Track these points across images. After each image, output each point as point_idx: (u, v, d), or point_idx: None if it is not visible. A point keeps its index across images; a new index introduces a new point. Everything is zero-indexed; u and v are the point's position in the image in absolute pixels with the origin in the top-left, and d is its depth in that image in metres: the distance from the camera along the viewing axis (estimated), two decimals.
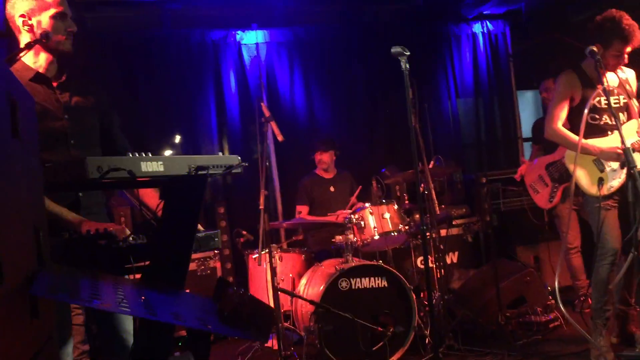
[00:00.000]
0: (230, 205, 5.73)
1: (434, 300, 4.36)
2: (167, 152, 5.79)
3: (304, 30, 6.32)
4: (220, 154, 2.26)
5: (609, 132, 3.59)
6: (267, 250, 4.17)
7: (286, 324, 4.34)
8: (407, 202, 5.18)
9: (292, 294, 4.24)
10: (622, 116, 3.61)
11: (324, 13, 6.36)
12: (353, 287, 4.05)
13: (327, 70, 6.38)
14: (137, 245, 1.92)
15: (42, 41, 2.37)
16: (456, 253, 5.77)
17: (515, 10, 6.83)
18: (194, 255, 5.06)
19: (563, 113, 3.65)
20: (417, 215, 5.20)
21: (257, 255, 4.62)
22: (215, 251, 5.20)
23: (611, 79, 3.54)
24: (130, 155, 1.80)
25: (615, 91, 3.58)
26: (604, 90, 3.21)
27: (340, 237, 4.36)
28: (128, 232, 2.06)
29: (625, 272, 3.43)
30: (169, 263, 1.91)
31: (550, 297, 4.63)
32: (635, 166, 2.84)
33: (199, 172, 1.92)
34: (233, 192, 5.98)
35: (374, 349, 3.95)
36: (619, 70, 3.62)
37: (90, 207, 2.54)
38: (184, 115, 5.95)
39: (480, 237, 5.82)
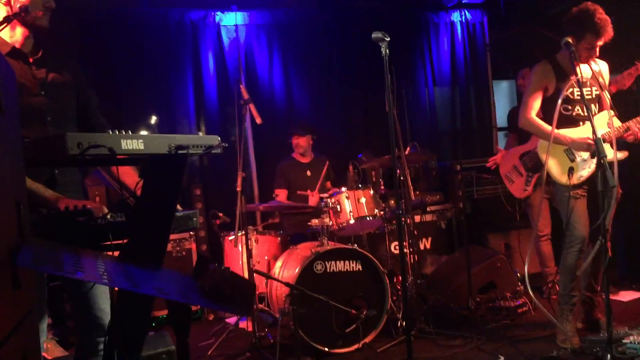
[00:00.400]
0: (206, 187, 5.73)
1: (407, 285, 4.43)
2: (143, 133, 5.73)
3: (284, 13, 6.30)
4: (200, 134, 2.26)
5: (581, 123, 3.68)
6: (243, 232, 4.19)
7: (261, 306, 4.37)
8: (382, 187, 5.24)
9: (268, 276, 4.27)
10: (594, 107, 3.70)
11: None
12: (328, 270, 4.10)
13: (306, 54, 6.37)
14: (116, 223, 1.93)
15: (21, 15, 2.34)
16: (429, 239, 5.86)
17: (493, 0, 6.88)
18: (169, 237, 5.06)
19: (537, 103, 3.73)
20: (392, 201, 5.27)
21: (233, 237, 4.63)
22: (191, 232, 5.20)
23: (584, 70, 3.61)
24: (110, 132, 1.80)
25: (588, 83, 3.67)
26: (578, 81, 3.28)
27: (316, 221, 4.40)
28: (106, 210, 2.06)
29: (592, 260, 3.53)
30: (147, 241, 1.92)
31: (520, 283, 4.74)
32: (605, 156, 2.92)
33: (179, 152, 1.93)
34: (209, 174, 5.96)
35: (347, 331, 4.01)
36: (592, 63, 3.70)
37: (66, 184, 2.52)
38: (161, 95, 5.89)
39: (453, 224, 5.92)
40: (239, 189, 4.12)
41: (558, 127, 3.49)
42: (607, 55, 3.79)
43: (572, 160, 3.66)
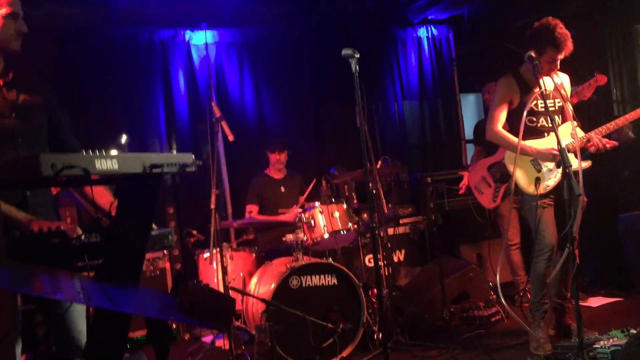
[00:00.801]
0: (180, 206, 5.70)
1: (382, 297, 4.47)
2: (114, 152, 5.67)
3: (254, 31, 6.35)
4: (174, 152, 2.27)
5: (545, 134, 3.79)
6: (218, 250, 4.18)
7: (237, 323, 4.36)
8: (355, 201, 5.28)
9: (244, 292, 4.26)
10: (558, 119, 3.81)
11: (273, 14, 6.38)
12: (304, 285, 4.11)
13: (277, 71, 6.42)
14: (91, 243, 1.93)
15: None
16: (403, 251, 5.91)
17: (458, 16, 7.03)
18: None
19: (503, 115, 3.82)
20: (366, 215, 5.32)
21: (208, 254, 4.62)
22: (165, 251, 5.17)
23: (547, 83, 3.72)
24: (84, 152, 1.80)
25: (551, 95, 3.78)
26: (541, 94, 3.38)
27: (291, 236, 4.42)
28: (80, 231, 2.06)
29: (561, 267, 3.61)
30: (124, 260, 1.92)
31: (492, 293, 4.81)
32: (570, 165, 3.00)
33: (154, 170, 1.94)
34: (182, 193, 5.93)
35: (324, 345, 4.02)
36: (554, 75, 3.82)
37: (38, 206, 2.50)
38: (132, 115, 5.86)
39: (425, 236, 5.99)
40: (212, 206, 4.12)
41: (524, 138, 3.57)
42: (567, 68, 3.92)
43: (539, 171, 3.75)
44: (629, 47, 5.72)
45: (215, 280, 4.57)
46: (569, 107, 3.78)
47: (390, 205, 5.54)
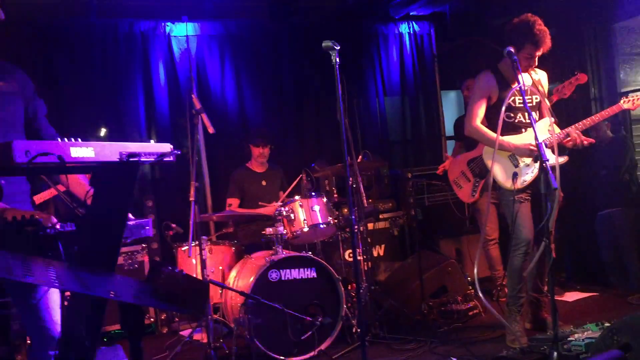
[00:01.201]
0: (159, 199, 5.65)
1: (361, 292, 4.49)
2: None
3: (235, 24, 6.31)
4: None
5: (523, 130, 3.83)
6: (197, 243, 4.16)
7: (215, 316, 4.34)
8: (335, 195, 5.29)
9: (222, 286, 4.25)
10: (535, 115, 3.85)
11: (254, 8, 6.35)
12: (283, 278, 4.11)
13: (258, 64, 6.39)
14: (66, 232, 1.91)
15: None
16: (383, 246, 5.94)
17: (440, 13, 7.06)
18: (121, 249, 4.98)
19: (481, 111, 3.86)
20: (346, 209, 5.33)
21: (186, 247, 4.59)
22: (143, 245, 5.14)
23: (525, 79, 3.76)
24: (60, 140, 1.78)
25: (529, 91, 3.82)
26: (520, 89, 3.41)
27: (270, 230, 4.41)
28: (55, 219, 2.04)
29: (537, 261, 3.66)
30: (99, 250, 1.90)
31: (470, 287, 4.86)
32: (547, 160, 3.04)
33: (131, 159, 1.92)
34: (161, 186, 5.89)
35: (302, 338, 4.03)
36: (532, 72, 3.86)
37: (13, 195, 2.47)
38: (111, 107, 5.79)
39: (405, 231, 6.03)
40: (192, 198, 4.09)
41: (502, 134, 3.61)
42: (546, 65, 3.96)
43: (516, 166, 3.80)
44: (607, 45, 5.80)
45: (195, 273, 4.54)
46: (547, 104, 3.83)
47: (370, 200, 5.56)
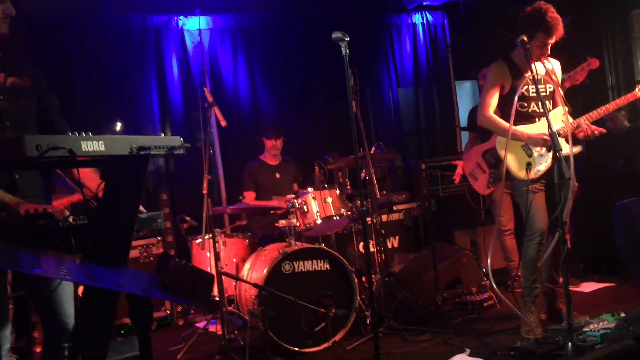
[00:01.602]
0: (173, 192, 5.69)
1: (375, 283, 4.49)
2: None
3: (247, 17, 6.32)
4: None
5: (536, 119, 3.79)
6: (210, 235, 4.19)
7: (230, 308, 4.37)
8: (349, 187, 5.28)
9: (236, 278, 4.27)
10: (548, 104, 3.81)
11: (266, 0, 6.36)
12: (296, 270, 4.12)
13: (270, 56, 6.40)
14: (78, 226, 1.93)
15: None
16: (397, 238, 5.93)
17: (453, 2, 7.00)
18: (136, 242, 5.04)
19: (494, 101, 3.82)
20: (359, 201, 5.32)
21: (200, 240, 4.62)
22: (158, 238, 5.18)
23: (538, 68, 3.72)
24: (70, 134, 1.80)
25: (542, 80, 3.77)
26: (533, 78, 3.38)
27: (284, 222, 4.42)
28: (67, 213, 2.06)
29: (552, 252, 3.63)
30: (110, 243, 1.92)
31: (485, 278, 4.83)
32: (561, 149, 3.01)
33: (141, 152, 1.93)
34: (176, 179, 5.94)
35: (316, 330, 4.04)
36: (545, 61, 3.81)
37: (26, 189, 2.50)
38: (125, 102, 5.85)
39: (419, 222, 6.00)
40: (204, 191, 4.12)
41: (515, 123, 3.58)
42: (562, 53, 3.91)
43: (530, 156, 3.76)
44: (624, 33, 5.72)
45: (209, 266, 4.58)
46: (560, 93, 3.78)
47: (384, 192, 5.55)
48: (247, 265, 4.44)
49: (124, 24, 5.82)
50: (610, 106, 3.78)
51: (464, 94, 7.85)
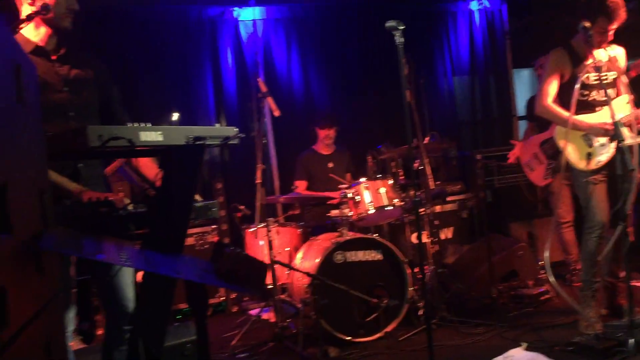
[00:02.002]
0: (228, 182, 5.78)
1: (428, 274, 4.45)
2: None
3: (301, 7, 6.33)
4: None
5: (598, 108, 3.65)
6: (264, 225, 4.24)
7: (283, 297, 4.42)
8: (402, 177, 5.24)
9: (289, 266, 4.32)
10: (611, 92, 3.66)
11: None
12: (348, 259, 4.13)
13: (323, 46, 6.40)
14: (137, 214, 1.99)
15: (42, 13, 2.40)
16: (451, 229, 5.85)
17: None
18: (192, 230, 5.15)
19: (553, 89, 3.70)
20: (413, 191, 5.27)
21: (254, 229, 4.69)
22: (214, 226, 5.29)
23: (600, 55, 3.58)
24: (130, 125, 1.85)
25: (604, 67, 3.63)
26: (595, 66, 3.26)
27: (336, 212, 4.43)
28: (127, 201, 2.12)
29: (613, 245, 3.51)
30: (167, 230, 1.97)
31: (542, 271, 4.72)
32: (624, 139, 2.90)
33: (197, 142, 1.97)
34: (231, 169, 6.03)
35: (368, 320, 4.05)
36: (608, 47, 3.67)
37: (89, 178, 2.59)
38: (181, 92, 5.96)
39: (474, 213, 5.91)
40: (258, 181, 4.17)
41: (575, 112, 3.46)
42: (625, 41, 3.75)
43: (590, 146, 3.63)
44: None
45: (262, 255, 4.64)
46: (624, 80, 3.63)
47: (438, 182, 5.48)
48: (299, 255, 4.48)
49: (181, 16, 5.93)
50: None
51: (522, 82, 7.64)
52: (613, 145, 3.46)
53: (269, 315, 4.64)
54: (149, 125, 1.89)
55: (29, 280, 1.19)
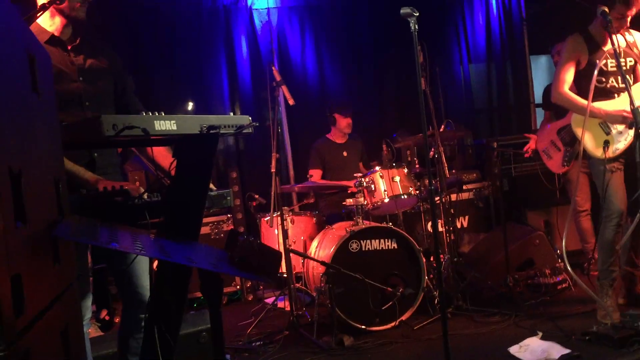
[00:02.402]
0: (243, 171, 5.81)
1: (444, 263, 4.44)
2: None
3: None
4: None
5: (615, 95, 3.60)
6: (279, 213, 4.25)
7: (298, 285, 4.44)
8: (417, 166, 5.22)
9: (304, 255, 4.33)
10: (629, 78, 3.60)
11: None
12: (363, 248, 4.13)
13: (337, 34, 6.37)
14: (152, 203, 2.00)
15: (57, 2, 2.41)
16: (467, 217, 5.82)
17: None
18: (207, 219, 5.18)
19: (569, 76, 3.65)
20: (428, 180, 5.25)
21: (269, 218, 4.70)
22: (229, 215, 5.31)
23: (619, 41, 3.52)
24: (144, 114, 1.86)
25: (623, 53, 3.57)
26: (614, 52, 3.20)
27: (351, 201, 4.42)
28: (142, 190, 2.13)
29: (632, 234, 3.47)
30: (182, 219, 1.98)
31: (559, 260, 4.68)
32: None
33: (211, 131, 1.97)
34: (245, 158, 6.05)
35: (383, 308, 4.05)
36: (626, 33, 3.60)
37: (105, 167, 2.61)
38: (195, 80, 5.98)
39: (490, 202, 5.87)
40: (273, 170, 4.18)
41: (592, 100, 3.42)
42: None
43: (607, 133, 3.58)
44: None
45: (277, 243, 4.65)
46: None
47: (454, 171, 5.44)
48: (314, 243, 4.48)
49: (195, 4, 5.93)
50: None
51: (539, 69, 7.55)
52: (631, 132, 3.41)
53: (284, 304, 4.66)
54: (163, 114, 1.89)
55: (45, 268, 1.20)
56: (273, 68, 4.25)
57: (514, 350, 3.38)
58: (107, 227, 1.49)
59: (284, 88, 4.20)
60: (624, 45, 3.56)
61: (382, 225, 4.32)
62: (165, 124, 1.89)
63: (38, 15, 2.40)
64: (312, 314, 4.10)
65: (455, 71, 6.78)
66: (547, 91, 5.49)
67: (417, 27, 3.00)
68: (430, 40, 3.81)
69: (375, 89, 6.50)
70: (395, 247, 4.20)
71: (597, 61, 3.38)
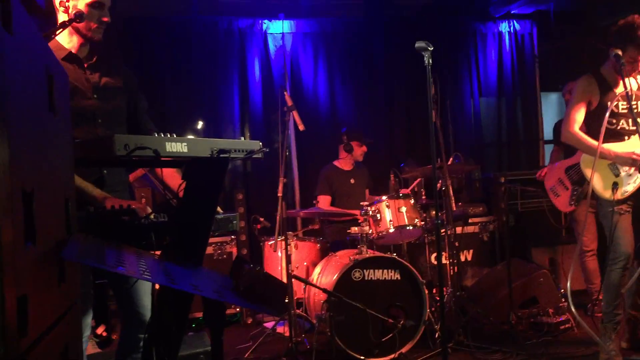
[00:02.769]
0: (249, 193, 5.81)
1: (446, 297, 4.40)
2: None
3: (330, 22, 6.37)
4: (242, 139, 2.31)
5: (625, 137, 3.60)
6: (283, 238, 4.24)
7: (298, 311, 4.40)
8: (424, 197, 5.21)
9: (306, 282, 4.30)
10: None
11: (349, 5, 6.40)
12: (366, 278, 4.10)
13: (351, 62, 6.42)
14: (158, 223, 2.00)
15: (76, 20, 2.45)
16: (471, 251, 5.79)
17: (543, 11, 6.78)
18: (211, 240, 5.16)
19: (580, 116, 3.66)
20: (434, 212, 5.23)
21: (273, 241, 4.69)
22: (232, 236, 5.30)
23: (631, 84, 3.53)
24: (156, 135, 1.87)
25: (634, 96, 3.58)
26: (627, 94, 3.21)
27: (356, 229, 4.41)
28: (150, 210, 2.14)
29: (638, 277, 3.44)
30: (188, 241, 1.98)
31: (563, 299, 4.64)
32: None
33: (221, 155, 1.98)
34: (252, 180, 6.06)
35: (383, 340, 4.00)
36: (638, 76, 3.62)
37: (114, 185, 2.62)
38: (207, 101, 6.03)
39: (495, 237, 5.84)
40: (279, 194, 4.17)
41: (603, 141, 3.42)
42: None
43: (617, 175, 3.57)
44: None
45: (279, 267, 4.63)
46: None
47: (460, 204, 5.42)
48: (317, 270, 4.46)
49: (211, 26, 6.00)
50: None
51: (549, 105, 7.58)
52: None
53: (283, 329, 4.62)
54: (175, 136, 1.91)
55: (51, 288, 1.20)
56: (285, 93, 4.27)
57: None
58: (113, 248, 1.49)
59: (294, 113, 4.22)
60: (636, 88, 3.57)
61: (386, 255, 4.30)
62: (176, 146, 1.90)
63: (58, 32, 2.43)
64: (312, 341, 4.06)
65: (466, 104, 6.80)
66: (558, 127, 5.50)
67: (430, 62, 3.02)
68: (441, 72, 3.84)
69: (385, 118, 6.53)
70: (399, 278, 4.17)
71: (609, 103, 3.39)
